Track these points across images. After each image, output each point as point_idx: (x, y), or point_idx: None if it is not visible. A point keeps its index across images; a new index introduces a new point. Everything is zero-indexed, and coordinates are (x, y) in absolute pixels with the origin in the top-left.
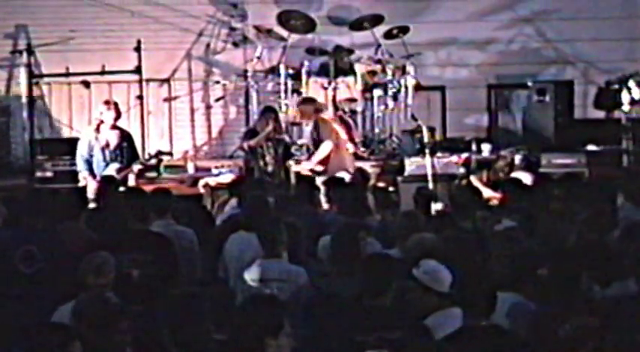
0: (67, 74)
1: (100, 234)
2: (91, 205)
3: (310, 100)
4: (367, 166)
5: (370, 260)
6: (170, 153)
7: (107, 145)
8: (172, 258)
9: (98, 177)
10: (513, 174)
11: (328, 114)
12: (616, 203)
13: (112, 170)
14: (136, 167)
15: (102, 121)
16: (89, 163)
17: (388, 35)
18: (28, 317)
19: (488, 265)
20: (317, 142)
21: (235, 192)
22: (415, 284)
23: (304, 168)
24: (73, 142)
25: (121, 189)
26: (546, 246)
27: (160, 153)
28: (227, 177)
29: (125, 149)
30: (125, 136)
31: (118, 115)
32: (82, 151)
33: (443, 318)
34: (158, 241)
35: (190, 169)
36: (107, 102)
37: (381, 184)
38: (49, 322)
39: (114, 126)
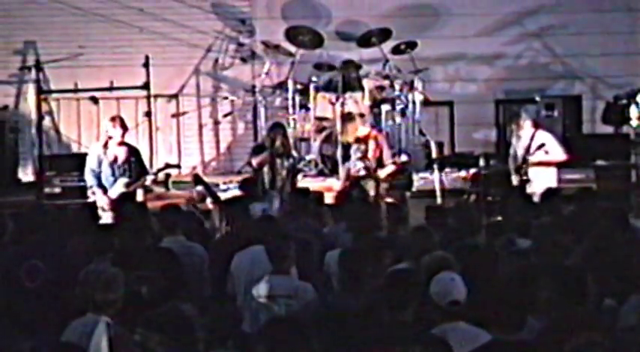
0: (76, 90)
1: (109, 250)
2: (101, 220)
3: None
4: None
5: (391, 274)
6: (178, 166)
7: (115, 160)
8: (180, 274)
9: (109, 193)
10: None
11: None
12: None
13: (120, 185)
14: (150, 178)
15: (110, 137)
16: (98, 178)
17: (396, 50)
18: (38, 334)
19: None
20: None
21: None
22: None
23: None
24: (81, 158)
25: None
26: (555, 261)
27: (168, 165)
28: (235, 193)
29: (133, 164)
30: (133, 151)
31: (125, 131)
32: (91, 165)
33: (447, 332)
34: (166, 257)
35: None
36: (113, 119)
37: (389, 200)
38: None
39: (122, 142)
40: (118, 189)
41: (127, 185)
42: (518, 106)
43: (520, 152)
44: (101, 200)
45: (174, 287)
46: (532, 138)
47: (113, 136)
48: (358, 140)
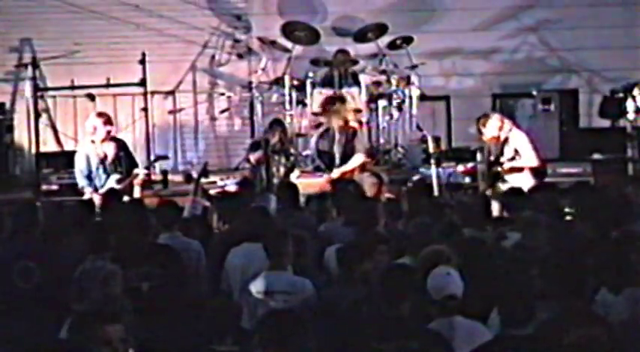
0: (72, 87)
1: (105, 248)
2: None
3: (341, 100)
4: (364, 176)
5: (389, 269)
6: (166, 157)
7: (105, 157)
8: (181, 271)
9: (101, 191)
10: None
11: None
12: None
13: (112, 181)
14: (143, 172)
15: (92, 133)
16: (89, 178)
17: (392, 46)
18: (35, 332)
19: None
20: (347, 152)
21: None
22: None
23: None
24: None
25: (125, 199)
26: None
27: (158, 158)
28: (232, 189)
29: (123, 158)
30: (121, 146)
31: (111, 127)
32: (80, 166)
33: (444, 326)
34: (166, 254)
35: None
36: (100, 115)
37: (387, 195)
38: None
39: (110, 138)
40: (110, 186)
41: (119, 181)
42: (514, 100)
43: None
44: (97, 200)
45: (175, 283)
46: (506, 140)
47: (101, 133)
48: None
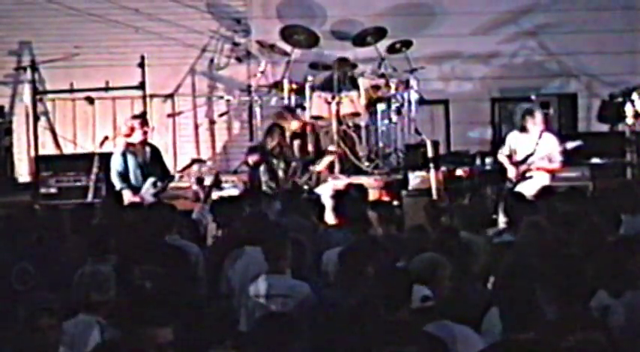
0: (71, 90)
1: (105, 251)
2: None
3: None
4: (370, 180)
5: (388, 273)
6: (204, 161)
7: (144, 161)
8: (187, 271)
9: (144, 195)
10: None
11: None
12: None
13: (149, 184)
14: (178, 176)
15: (128, 135)
16: (126, 179)
17: (391, 49)
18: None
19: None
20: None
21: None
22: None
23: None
24: (77, 158)
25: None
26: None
27: (194, 161)
28: (231, 193)
29: (157, 163)
30: (155, 151)
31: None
32: (117, 167)
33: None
34: (171, 253)
35: (194, 185)
36: (136, 117)
37: (385, 198)
38: None
39: (146, 142)
40: (148, 189)
41: (154, 184)
42: (513, 104)
43: (524, 151)
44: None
45: (181, 282)
46: (539, 139)
47: (139, 135)
48: (294, 135)
